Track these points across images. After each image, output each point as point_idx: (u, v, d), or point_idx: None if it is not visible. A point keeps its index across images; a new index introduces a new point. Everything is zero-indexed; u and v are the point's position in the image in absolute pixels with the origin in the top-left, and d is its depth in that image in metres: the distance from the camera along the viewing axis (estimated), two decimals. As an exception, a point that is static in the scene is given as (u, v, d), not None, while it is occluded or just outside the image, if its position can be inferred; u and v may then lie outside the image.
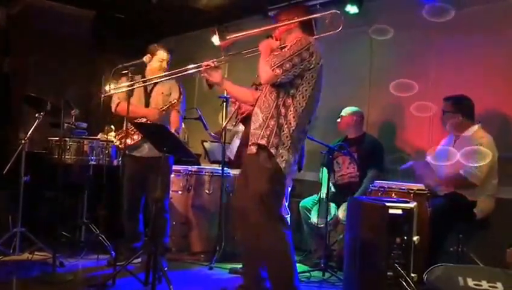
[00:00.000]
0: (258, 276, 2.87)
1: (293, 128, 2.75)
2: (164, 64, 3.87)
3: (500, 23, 3.96)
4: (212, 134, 3.94)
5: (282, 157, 2.73)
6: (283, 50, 2.79)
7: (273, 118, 2.76)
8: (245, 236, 2.93)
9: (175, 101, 3.83)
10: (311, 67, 2.74)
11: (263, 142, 2.74)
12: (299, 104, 2.76)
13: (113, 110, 3.90)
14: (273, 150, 2.73)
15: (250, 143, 2.85)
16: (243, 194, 2.90)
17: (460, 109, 3.57)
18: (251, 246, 2.89)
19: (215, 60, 3.05)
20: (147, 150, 3.77)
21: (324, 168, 4.16)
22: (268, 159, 2.74)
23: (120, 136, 3.89)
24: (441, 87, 4.10)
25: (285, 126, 2.74)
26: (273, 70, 2.70)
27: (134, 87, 3.72)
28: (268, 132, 2.75)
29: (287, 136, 2.74)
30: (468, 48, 4.09)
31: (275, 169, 2.73)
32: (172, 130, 3.86)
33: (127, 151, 3.76)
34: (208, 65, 3.02)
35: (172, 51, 3.99)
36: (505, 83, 3.90)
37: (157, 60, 3.85)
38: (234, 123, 3.90)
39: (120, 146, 3.84)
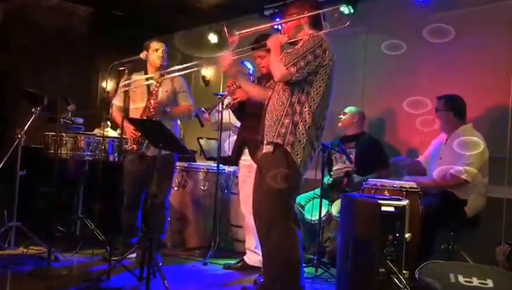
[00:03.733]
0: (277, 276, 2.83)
1: (309, 125, 2.74)
2: (160, 53, 3.84)
3: (493, 25, 4.01)
4: (202, 108, 3.91)
5: (298, 155, 2.73)
6: (296, 47, 2.74)
7: (287, 116, 2.75)
8: (261, 235, 2.91)
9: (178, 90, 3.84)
10: (324, 63, 2.74)
11: (279, 140, 2.74)
12: (314, 100, 2.75)
13: (109, 114, 3.94)
14: (288, 148, 2.72)
15: (265, 142, 2.84)
16: (259, 194, 2.87)
17: (452, 107, 3.63)
18: (265, 244, 2.88)
19: (231, 51, 3.01)
20: (152, 148, 3.75)
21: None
22: (284, 158, 2.73)
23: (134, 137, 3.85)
24: (434, 88, 4.15)
25: (301, 123, 2.74)
26: (287, 68, 2.68)
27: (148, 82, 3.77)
28: (283, 130, 2.74)
29: (302, 134, 2.74)
30: (461, 49, 4.14)
31: (291, 167, 2.73)
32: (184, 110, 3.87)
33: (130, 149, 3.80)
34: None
35: (167, 42, 3.98)
36: (496, 84, 3.96)
37: (153, 51, 3.85)
38: (225, 106, 3.90)
39: (132, 147, 3.82)
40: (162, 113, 3.75)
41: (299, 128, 2.74)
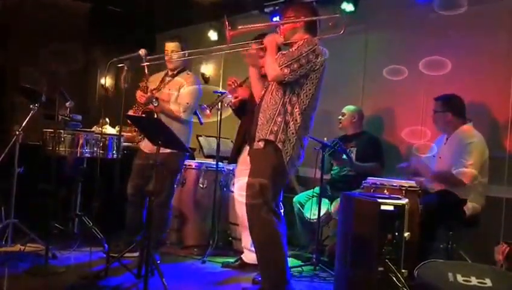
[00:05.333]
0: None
1: (299, 125, 2.86)
2: (169, 53, 3.84)
3: (492, 24, 4.00)
4: (204, 105, 3.89)
5: (287, 153, 2.83)
6: (291, 50, 2.85)
7: (280, 115, 2.84)
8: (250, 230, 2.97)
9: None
10: (316, 68, 2.84)
11: (271, 137, 2.83)
12: (303, 102, 2.87)
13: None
14: (279, 145, 2.82)
15: (257, 139, 2.91)
16: (247, 188, 2.94)
17: (450, 107, 3.62)
18: (252, 239, 2.98)
19: (258, 40, 3.04)
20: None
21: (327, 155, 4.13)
22: (274, 154, 2.83)
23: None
24: (433, 87, 4.14)
25: (292, 123, 2.84)
26: (281, 69, 2.78)
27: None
28: (276, 128, 2.83)
29: (292, 133, 2.84)
30: (460, 48, 4.13)
31: (279, 163, 2.83)
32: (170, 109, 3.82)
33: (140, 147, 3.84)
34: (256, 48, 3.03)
35: (178, 37, 3.96)
36: (495, 83, 3.95)
37: (166, 51, 3.87)
38: (226, 104, 3.90)
39: (120, 142, 3.79)
40: (151, 106, 3.73)
41: (290, 127, 2.85)
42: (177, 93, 3.84)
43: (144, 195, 3.86)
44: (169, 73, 3.95)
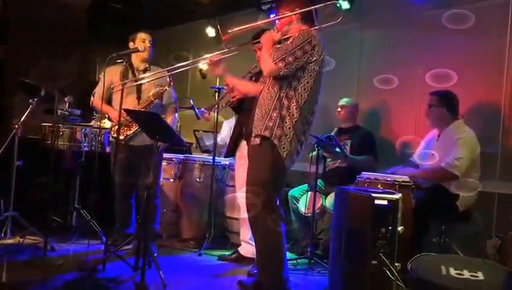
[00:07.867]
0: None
1: (296, 119, 2.79)
2: (147, 44, 3.92)
3: (485, 22, 4.04)
4: (203, 109, 3.93)
5: (284, 148, 2.78)
6: (286, 43, 2.81)
7: (275, 110, 2.79)
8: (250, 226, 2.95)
9: (164, 89, 3.89)
10: (313, 60, 2.78)
11: (266, 133, 2.78)
12: (301, 96, 2.80)
13: (90, 103, 4.00)
14: (276, 141, 2.77)
15: (253, 135, 2.87)
16: (246, 185, 2.91)
17: (445, 103, 3.67)
18: (253, 235, 2.94)
19: (219, 52, 3.04)
20: (139, 138, 3.82)
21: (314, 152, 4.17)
22: (270, 150, 2.78)
23: (117, 127, 3.91)
24: (427, 83, 4.19)
25: (288, 118, 2.78)
26: (275, 63, 2.73)
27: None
28: (271, 124, 2.79)
29: (289, 128, 2.79)
30: (454, 46, 4.17)
31: (277, 159, 2.78)
32: (172, 119, 4.00)
33: (121, 141, 3.82)
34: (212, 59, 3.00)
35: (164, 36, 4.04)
36: (488, 80, 4.00)
37: (140, 41, 3.92)
38: (224, 105, 3.94)
39: (119, 136, 3.83)
40: None
41: (286, 122, 2.79)
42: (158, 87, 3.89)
43: (133, 188, 3.90)
44: (140, 65, 3.95)
